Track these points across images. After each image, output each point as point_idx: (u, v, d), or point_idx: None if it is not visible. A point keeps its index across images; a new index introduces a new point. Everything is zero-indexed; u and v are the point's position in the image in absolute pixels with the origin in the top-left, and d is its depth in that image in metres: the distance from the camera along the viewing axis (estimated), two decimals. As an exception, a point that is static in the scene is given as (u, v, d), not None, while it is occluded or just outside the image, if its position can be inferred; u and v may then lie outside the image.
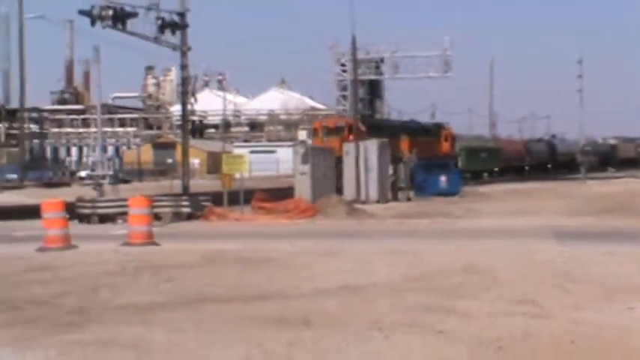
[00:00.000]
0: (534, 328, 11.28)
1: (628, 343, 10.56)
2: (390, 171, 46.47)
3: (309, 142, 52.08)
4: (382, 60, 74.79)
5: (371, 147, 44.75)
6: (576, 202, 41.09)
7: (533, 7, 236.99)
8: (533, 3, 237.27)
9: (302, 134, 47.73)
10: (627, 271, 16.51)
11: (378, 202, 42.57)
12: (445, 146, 63.79)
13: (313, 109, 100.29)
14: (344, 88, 76.60)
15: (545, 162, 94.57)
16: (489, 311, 12.54)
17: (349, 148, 44.41)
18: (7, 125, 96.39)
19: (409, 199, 45.47)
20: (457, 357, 9.74)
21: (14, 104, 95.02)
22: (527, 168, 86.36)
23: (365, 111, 70.40)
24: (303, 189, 40.51)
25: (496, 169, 74.14)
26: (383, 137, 51.00)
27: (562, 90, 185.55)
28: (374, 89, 79.26)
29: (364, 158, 43.77)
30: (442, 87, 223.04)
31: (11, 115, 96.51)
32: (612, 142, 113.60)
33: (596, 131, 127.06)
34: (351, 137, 50.71)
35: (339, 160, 47.40)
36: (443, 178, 51.24)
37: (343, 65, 73.45)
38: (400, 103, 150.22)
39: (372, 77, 76.02)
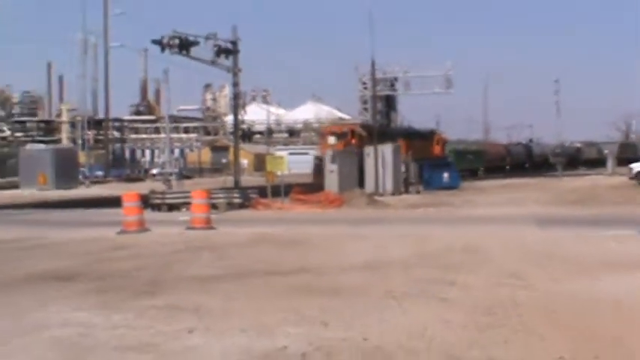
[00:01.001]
0: (520, 297, 11.27)
1: (595, 308, 10.53)
2: (403, 169, 46.34)
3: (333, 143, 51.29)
4: (396, 79, 74.55)
5: (387, 150, 44.61)
6: (554, 195, 40.84)
7: (523, 32, 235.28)
8: (523, 29, 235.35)
9: (331, 139, 47.55)
10: (595, 250, 16.42)
11: (392, 194, 42.43)
12: (437, 149, 62.56)
13: (340, 119, 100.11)
14: (365, 102, 76.43)
15: (524, 162, 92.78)
16: (483, 283, 12.53)
17: (370, 150, 44.25)
18: (95, 132, 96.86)
19: (418, 192, 45.28)
20: (458, 320, 9.73)
21: (101, 115, 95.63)
22: (507, 167, 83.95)
23: (382, 121, 70.06)
24: (332, 184, 40.55)
25: (481, 168, 73.36)
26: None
27: (544, 102, 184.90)
28: (389, 103, 79.07)
29: (382, 158, 43.68)
30: (445, 100, 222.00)
31: (98, 124, 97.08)
32: (578, 145, 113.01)
33: (571, 136, 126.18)
34: (353, 141, 51.27)
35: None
36: (445, 175, 51.10)
37: (364, 83, 73.22)
38: (411, 114, 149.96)
39: (388, 93, 75.77)
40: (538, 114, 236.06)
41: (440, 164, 53.81)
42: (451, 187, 48.86)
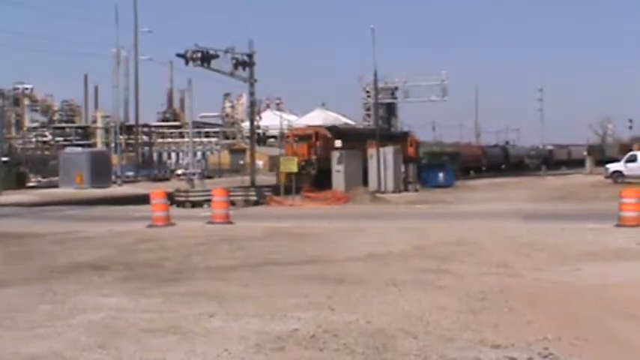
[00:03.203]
0: (507, 284, 11.24)
1: (574, 294, 10.51)
2: (402, 169, 46.28)
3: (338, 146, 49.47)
4: (396, 88, 74.53)
5: (388, 151, 44.57)
6: (538, 192, 40.84)
7: (511, 43, 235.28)
8: (511, 40, 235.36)
9: (337, 143, 47.11)
10: (575, 241, 16.37)
11: (393, 192, 42.42)
12: (410, 150, 57.42)
13: (346, 124, 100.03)
14: (368, 109, 76.41)
15: (500, 163, 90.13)
16: (474, 272, 12.49)
17: (373, 152, 44.18)
18: (126, 137, 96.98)
19: (416, 190, 45.25)
20: (452, 305, 9.70)
21: (131, 122, 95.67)
22: (484, 168, 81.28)
23: (383, 126, 69.86)
24: (339, 182, 40.55)
25: (456, 169, 70.50)
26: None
27: (530, 108, 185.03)
28: (390, 110, 79.05)
29: (383, 160, 43.63)
30: (440, 107, 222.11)
31: (129, 129, 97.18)
32: (550, 147, 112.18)
33: (555, 139, 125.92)
34: (318, 143, 48.87)
35: (307, 162, 46.61)
36: (441, 175, 51.02)
37: (368, 92, 73.25)
38: (410, 119, 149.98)
39: (389, 101, 75.74)
40: (526, 119, 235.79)
41: (436, 165, 53.65)
42: (446, 185, 48.82)
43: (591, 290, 10.76)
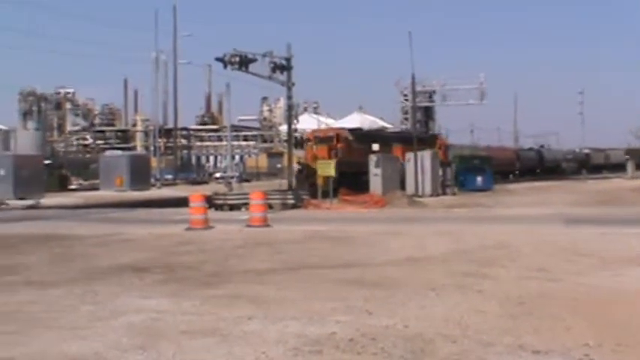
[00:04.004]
0: (547, 289, 11.14)
1: (617, 299, 10.38)
2: (440, 172, 46.03)
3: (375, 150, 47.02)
4: (434, 91, 74.22)
5: (426, 155, 44.37)
6: (579, 196, 40.37)
7: (550, 46, 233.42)
8: (550, 43, 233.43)
9: (375, 146, 46.73)
10: (617, 247, 16.18)
11: (431, 195, 42.18)
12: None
13: (383, 127, 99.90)
14: (406, 113, 76.21)
15: (535, 167, 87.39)
16: (514, 276, 12.40)
17: (410, 156, 43.98)
18: (165, 140, 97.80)
19: (454, 194, 44.96)
20: (491, 309, 9.64)
21: (170, 125, 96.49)
22: (517, 172, 78.43)
23: (421, 129, 69.51)
24: (376, 186, 40.44)
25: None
26: (372, 145, 47.15)
27: (570, 111, 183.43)
28: (428, 113, 78.75)
29: (421, 163, 43.45)
30: (479, 111, 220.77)
31: (168, 133, 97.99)
32: (586, 151, 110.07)
33: (596, 143, 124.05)
34: (339, 145, 46.90)
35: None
36: (479, 178, 50.62)
37: (405, 95, 73.07)
38: (448, 123, 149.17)
39: (427, 104, 75.46)
40: (565, 122, 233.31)
41: (474, 168, 53.11)
42: (484, 189, 48.47)
43: (633, 296, 10.63)
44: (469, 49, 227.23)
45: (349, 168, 41.86)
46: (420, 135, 65.18)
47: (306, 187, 39.66)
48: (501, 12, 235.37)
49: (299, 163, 54.32)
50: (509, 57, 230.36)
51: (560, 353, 7.53)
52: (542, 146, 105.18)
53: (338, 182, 39.41)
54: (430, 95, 75.02)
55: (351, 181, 40.17)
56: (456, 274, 12.76)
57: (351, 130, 53.37)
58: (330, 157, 45.14)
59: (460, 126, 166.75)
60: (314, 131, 51.96)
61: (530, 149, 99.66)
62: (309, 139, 51.96)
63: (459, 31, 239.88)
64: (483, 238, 18.53)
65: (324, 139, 48.94)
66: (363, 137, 51.50)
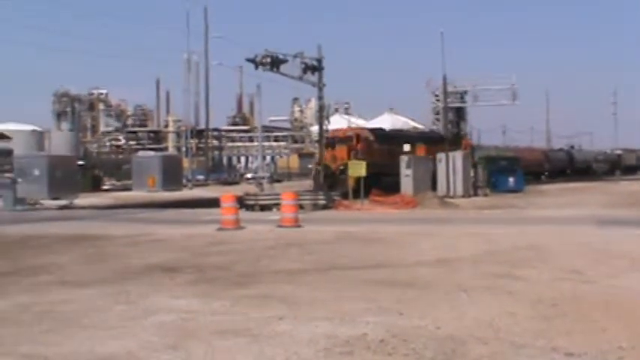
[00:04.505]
0: (580, 291, 11.03)
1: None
2: (471, 173, 45.77)
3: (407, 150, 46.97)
4: (465, 92, 73.71)
5: (458, 156, 44.16)
6: (612, 197, 39.96)
7: (583, 45, 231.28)
8: (583, 43, 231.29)
9: (406, 147, 46.31)
10: (652, 249, 15.99)
11: (462, 196, 41.94)
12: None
13: (415, 128, 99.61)
14: (437, 113, 75.82)
15: (564, 169, 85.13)
16: (546, 278, 12.29)
17: (441, 156, 43.76)
18: (197, 141, 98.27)
19: (486, 195, 44.68)
20: (523, 311, 9.56)
21: (202, 126, 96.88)
22: (546, 174, 76.63)
23: (453, 130, 69.04)
24: (407, 187, 40.30)
25: None
26: (394, 146, 45.57)
27: (603, 112, 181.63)
28: (459, 114, 78.26)
29: (452, 164, 43.24)
30: (511, 111, 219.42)
31: (199, 133, 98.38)
32: (618, 152, 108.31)
33: (626, 143, 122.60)
34: (359, 146, 45.62)
35: (347, 167, 41.66)
36: (511, 179, 50.25)
37: (437, 96, 72.66)
38: (479, 123, 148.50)
39: (458, 105, 74.95)
40: (599, 123, 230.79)
41: (506, 169, 52.69)
42: (516, 190, 48.13)
43: (667, 298, 10.49)
44: (501, 49, 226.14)
45: (370, 169, 39.51)
46: (444, 135, 64.05)
47: (324, 189, 38.97)
48: (533, 11, 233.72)
49: (317, 163, 53.58)
50: (542, 56, 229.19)
51: (594, 356, 7.45)
52: (572, 147, 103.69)
53: (357, 185, 38.61)
54: (461, 96, 74.59)
55: (373, 182, 38.37)
56: (488, 275, 12.69)
57: (372, 130, 52.19)
58: (349, 158, 44.09)
59: (492, 126, 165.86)
60: (333, 131, 50.36)
61: (560, 150, 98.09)
62: (328, 139, 50.22)
63: (490, 30, 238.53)
64: (515, 239, 18.40)
65: (343, 139, 47.57)
66: (384, 137, 50.25)
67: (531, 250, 16.19)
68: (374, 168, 38.98)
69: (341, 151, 45.95)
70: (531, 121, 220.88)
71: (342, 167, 43.71)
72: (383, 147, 46.40)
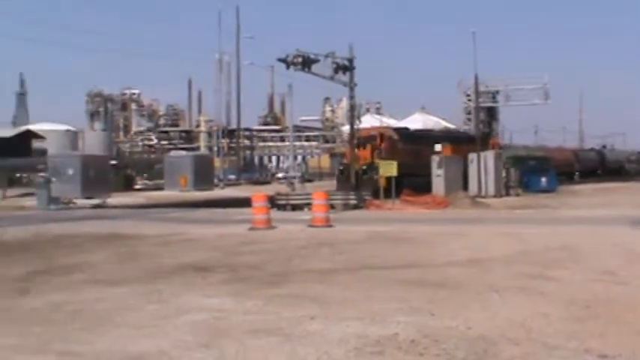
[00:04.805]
0: (613, 292, 10.92)
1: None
2: (503, 173, 45.47)
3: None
4: (497, 92, 73.33)
5: (489, 155, 43.93)
6: (646, 198, 39.51)
7: (616, 45, 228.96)
8: (616, 42, 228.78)
9: (437, 146, 46.00)
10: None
11: (494, 196, 41.69)
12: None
13: (446, 128, 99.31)
14: (469, 113, 75.42)
15: (595, 169, 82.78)
16: (579, 279, 12.19)
17: (473, 156, 43.52)
18: (228, 141, 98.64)
19: (518, 195, 44.38)
20: (555, 312, 9.49)
21: (233, 126, 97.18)
22: (577, 174, 74.45)
23: (484, 129, 68.59)
24: (439, 186, 40.17)
25: None
26: (419, 146, 45.17)
27: (638, 111, 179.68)
28: (491, 113, 77.83)
29: (484, 164, 43.01)
30: (543, 111, 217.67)
31: (231, 133, 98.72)
32: None
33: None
34: (382, 145, 44.75)
35: (370, 167, 42.45)
36: (543, 179, 49.88)
37: (468, 95, 72.25)
38: (512, 123, 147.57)
39: (490, 104, 74.56)
40: (633, 123, 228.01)
41: (539, 169, 52.27)
42: (549, 190, 47.77)
43: (703, 300, 10.36)
44: (533, 48, 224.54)
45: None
46: (470, 135, 62.86)
47: (348, 189, 38.39)
48: (565, 10, 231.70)
49: (340, 163, 53.00)
50: (575, 56, 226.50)
51: (627, 357, 7.38)
52: (604, 146, 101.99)
53: (389, 184, 38.02)
54: (493, 95, 74.17)
55: (397, 183, 37.37)
56: (520, 275, 12.61)
57: (396, 130, 51.26)
58: (372, 158, 43.84)
59: (525, 127, 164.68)
60: (356, 130, 49.74)
61: (591, 150, 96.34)
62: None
63: (522, 29, 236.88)
64: (547, 239, 18.27)
65: (367, 138, 46.32)
66: (409, 137, 49.37)
67: (564, 250, 16.07)
68: (399, 168, 37.73)
69: (364, 150, 45.21)
70: (564, 121, 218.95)
71: (364, 167, 43.50)
72: (408, 147, 45.72)
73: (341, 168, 48.92)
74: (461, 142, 50.09)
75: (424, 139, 50.01)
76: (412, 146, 45.68)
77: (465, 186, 41.96)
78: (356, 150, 45.22)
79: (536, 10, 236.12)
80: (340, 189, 39.40)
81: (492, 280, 12.12)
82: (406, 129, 56.35)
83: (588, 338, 8.11)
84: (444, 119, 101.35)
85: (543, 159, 56.52)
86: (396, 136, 47.24)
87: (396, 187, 36.38)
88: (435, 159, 41.87)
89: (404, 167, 37.60)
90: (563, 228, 21.71)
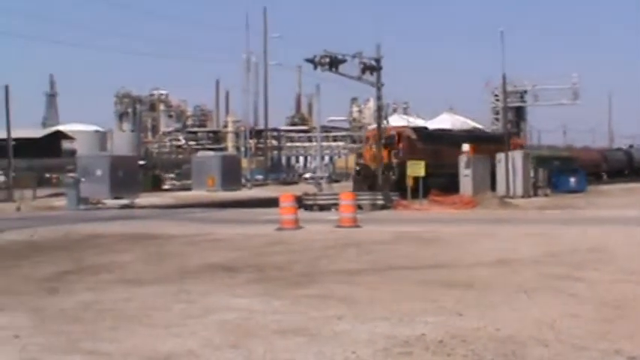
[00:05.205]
0: (644, 293, 10.82)
1: None
2: (531, 173, 45.19)
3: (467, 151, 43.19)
4: (525, 92, 73.07)
5: (517, 156, 43.69)
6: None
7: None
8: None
9: (465, 147, 45.76)
10: None
11: (522, 196, 41.46)
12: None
13: (474, 128, 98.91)
14: (497, 113, 75.19)
15: (623, 169, 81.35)
16: (608, 280, 12.10)
17: (501, 156, 43.30)
18: (255, 141, 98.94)
19: (546, 195, 44.13)
20: (585, 313, 9.42)
21: (261, 126, 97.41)
22: (603, 174, 73.28)
23: (512, 130, 68.28)
24: (466, 187, 40.05)
25: None
26: (438, 146, 44.68)
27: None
28: (519, 113, 77.59)
29: (512, 164, 42.78)
30: (572, 111, 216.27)
31: (258, 134, 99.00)
32: None
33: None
34: (400, 145, 44.03)
35: (386, 167, 41.59)
36: (572, 179, 49.56)
37: (496, 96, 72.11)
38: (540, 123, 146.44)
39: (518, 104, 74.33)
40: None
41: (567, 170, 51.91)
42: (578, 190, 47.42)
43: None
44: (561, 48, 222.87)
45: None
46: (491, 134, 61.94)
47: (365, 190, 37.84)
48: (593, 9, 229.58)
49: (357, 164, 52.56)
50: (604, 55, 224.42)
51: (658, 359, 7.30)
52: (631, 146, 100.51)
53: (398, 186, 37.38)
54: (521, 95, 73.94)
55: (415, 185, 36.63)
56: (548, 276, 12.53)
57: (415, 129, 50.35)
58: (390, 158, 43.08)
59: (552, 126, 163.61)
60: (374, 129, 47.04)
61: (619, 149, 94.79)
62: (367, 138, 48.15)
63: (550, 29, 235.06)
64: (576, 240, 18.14)
65: (384, 138, 44.13)
66: (428, 137, 48.49)
67: (593, 251, 15.94)
68: None
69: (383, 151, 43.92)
70: (594, 121, 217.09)
71: (381, 168, 42.83)
72: (427, 147, 44.85)
73: (357, 168, 48.14)
74: (483, 142, 49.56)
75: (444, 138, 49.45)
76: (431, 146, 45.00)
77: (493, 186, 41.75)
78: (373, 149, 44.57)
79: (565, 8, 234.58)
80: (357, 189, 39.09)
81: (521, 280, 12.06)
82: (425, 128, 55.66)
83: (618, 339, 8.03)
84: (472, 119, 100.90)
85: (568, 159, 55.89)
86: (414, 136, 46.47)
87: (416, 190, 36.03)
88: (463, 159, 41.72)
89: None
90: (592, 228, 21.51)
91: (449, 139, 48.81)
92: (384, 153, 43.03)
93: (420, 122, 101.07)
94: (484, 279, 12.38)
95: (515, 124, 75.64)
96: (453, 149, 43.92)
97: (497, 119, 75.66)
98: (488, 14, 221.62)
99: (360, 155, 63.47)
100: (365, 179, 43.04)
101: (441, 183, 38.87)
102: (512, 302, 10.24)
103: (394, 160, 42.70)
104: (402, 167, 39.48)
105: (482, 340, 8.05)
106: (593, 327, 8.67)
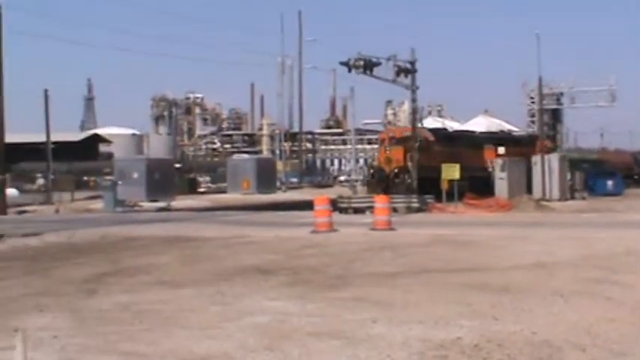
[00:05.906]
0: (683, 298, 10.68)
1: None
2: (568, 176, 44.77)
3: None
4: (562, 94, 72.30)
5: (553, 158, 43.34)
6: None
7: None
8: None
9: (501, 149, 45.38)
10: None
11: (559, 200, 41.09)
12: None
13: (510, 131, 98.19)
14: (532, 115, 74.58)
15: None
16: (646, 284, 11.95)
17: (537, 159, 42.95)
18: (290, 144, 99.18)
19: (583, 198, 43.70)
20: (622, 316, 9.33)
21: (295, 129, 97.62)
22: (635, 177, 70.35)
23: (549, 132, 67.68)
24: (502, 190, 39.78)
25: None
26: (457, 147, 43.54)
27: None
28: (556, 116, 76.82)
29: (548, 167, 42.41)
30: (610, 113, 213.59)
31: (293, 137, 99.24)
32: None
33: None
34: (417, 147, 40.90)
35: (401, 170, 41.26)
36: (610, 182, 49.04)
37: (532, 98, 71.51)
38: (576, 125, 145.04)
39: (554, 107, 73.58)
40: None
41: (605, 173, 51.36)
42: (615, 193, 46.91)
43: None
44: (599, 49, 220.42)
45: (429, 173, 37.72)
46: (516, 136, 60.92)
47: (379, 193, 36.03)
48: (631, 11, 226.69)
49: (370, 166, 51.93)
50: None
51: (697, 365, 7.21)
52: None
53: (411, 189, 36.87)
54: (558, 97, 73.20)
55: (432, 186, 36.21)
56: (585, 280, 12.41)
57: (433, 131, 49.26)
58: (405, 161, 42.11)
59: (589, 129, 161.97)
60: (388, 131, 46.31)
61: None
62: (382, 140, 47.13)
63: (587, 30, 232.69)
64: (614, 244, 17.93)
65: (400, 139, 44.03)
66: (445, 138, 47.57)
67: (630, 254, 15.76)
68: (434, 172, 36.80)
69: (397, 152, 43.31)
70: (631, 123, 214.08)
71: (396, 170, 42.54)
72: (445, 149, 43.74)
73: (371, 171, 47.22)
74: (510, 145, 48.75)
75: (463, 140, 48.61)
76: (449, 148, 43.98)
77: (528, 189, 41.43)
78: (387, 151, 43.89)
79: (602, 9, 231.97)
80: (370, 192, 38.48)
81: (557, 284, 11.96)
82: (443, 129, 55.00)
83: (656, 344, 7.94)
84: (507, 122, 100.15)
85: (597, 162, 54.98)
86: (431, 138, 45.38)
87: (431, 190, 35.56)
88: (498, 162, 41.50)
89: (440, 170, 36.08)
90: (629, 232, 21.26)
91: (469, 141, 48.06)
92: (400, 154, 42.34)
93: (454, 125, 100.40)
94: (520, 282, 12.29)
95: (552, 127, 74.95)
96: (474, 151, 43.24)
97: (532, 121, 75.05)
98: (525, 14, 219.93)
99: (374, 158, 62.89)
100: (379, 182, 42.58)
101: (462, 186, 36.92)
102: (549, 306, 10.16)
103: (410, 163, 41.29)
104: (420, 170, 38.69)
105: (518, 345, 8.00)
106: (630, 331, 8.58)
